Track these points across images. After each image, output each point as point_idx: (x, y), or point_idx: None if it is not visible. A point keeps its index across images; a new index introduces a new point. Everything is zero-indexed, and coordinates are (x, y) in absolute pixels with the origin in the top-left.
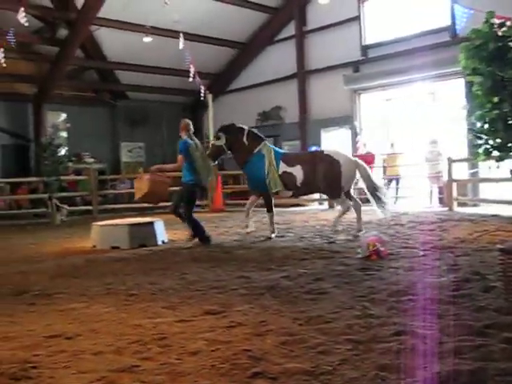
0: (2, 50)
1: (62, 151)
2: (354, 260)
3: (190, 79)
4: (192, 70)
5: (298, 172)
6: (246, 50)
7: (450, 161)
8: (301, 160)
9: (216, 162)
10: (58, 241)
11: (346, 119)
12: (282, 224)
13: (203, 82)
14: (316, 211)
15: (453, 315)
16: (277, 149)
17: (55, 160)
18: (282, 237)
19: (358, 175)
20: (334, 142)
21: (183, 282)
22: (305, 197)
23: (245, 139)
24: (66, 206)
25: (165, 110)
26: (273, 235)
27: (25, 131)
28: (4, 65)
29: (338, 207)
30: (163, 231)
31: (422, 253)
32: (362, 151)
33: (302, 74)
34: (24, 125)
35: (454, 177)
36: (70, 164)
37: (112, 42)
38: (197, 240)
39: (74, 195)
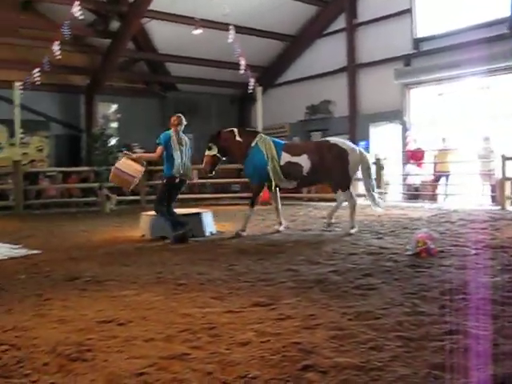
0: (58, 42)
1: (113, 141)
2: (404, 256)
3: (241, 71)
4: (242, 62)
5: (304, 161)
6: (296, 43)
7: (504, 158)
8: (307, 149)
9: (213, 173)
10: (108, 229)
11: (395, 114)
12: None
13: (252, 75)
14: (364, 206)
15: (508, 316)
16: (276, 140)
17: (106, 150)
18: (330, 231)
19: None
20: (382, 136)
21: (231, 273)
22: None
23: (238, 138)
24: (115, 196)
25: (213, 101)
26: (243, 233)
27: (77, 122)
28: (59, 57)
29: (341, 199)
30: (211, 223)
31: (473, 251)
32: (411, 147)
33: (352, 68)
34: (76, 115)
35: (508, 175)
36: (120, 154)
37: (162, 35)
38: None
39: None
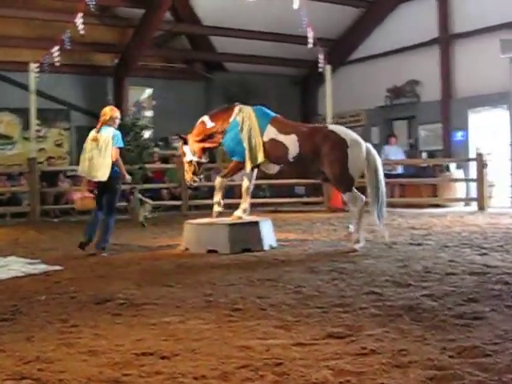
0: (81, 15)
1: (147, 134)
2: None
3: (309, 45)
4: (310, 34)
5: (291, 143)
6: (374, 10)
7: None
8: (298, 130)
9: (198, 180)
10: (143, 241)
11: (502, 97)
12: (419, 229)
13: (320, 50)
14: (461, 214)
15: None
16: (264, 109)
17: (139, 145)
18: (419, 245)
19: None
20: (485, 126)
21: (299, 297)
22: (445, 196)
23: (209, 124)
24: (149, 201)
25: (271, 84)
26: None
27: None
28: (82, 32)
29: (350, 208)
30: (271, 233)
31: None
32: None
33: (446, 40)
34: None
35: None
36: (156, 149)
37: (207, 2)
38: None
39: (160, 187)
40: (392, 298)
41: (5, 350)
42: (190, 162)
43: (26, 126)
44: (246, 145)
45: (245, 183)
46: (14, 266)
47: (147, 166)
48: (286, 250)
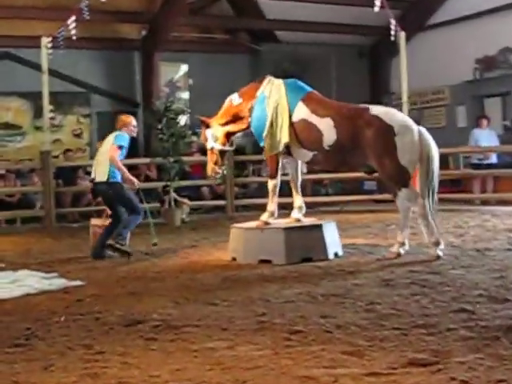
0: None
1: (183, 120)
2: None
3: (376, 9)
4: None
5: (326, 127)
6: None
7: None
8: (335, 112)
9: (221, 171)
10: (182, 250)
11: None
12: None
13: (392, 14)
14: None
15: None
16: (298, 83)
17: (174, 133)
18: None
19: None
20: None
21: (372, 316)
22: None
23: (236, 101)
24: (187, 201)
25: (333, 55)
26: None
27: (130, 92)
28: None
29: (415, 208)
30: (337, 238)
31: None
32: None
33: None
34: (129, 83)
35: None
36: (195, 139)
37: None
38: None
39: (199, 184)
40: (487, 316)
41: (19, 382)
42: (212, 149)
43: (37, 114)
44: (267, 123)
45: (271, 181)
46: (27, 282)
47: (184, 158)
48: (355, 259)
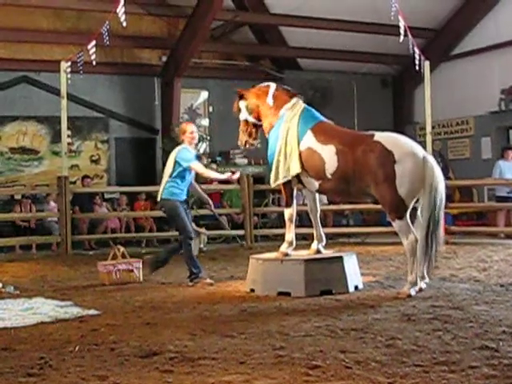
0: (123, 3)
1: (203, 147)
2: None
3: (400, 39)
4: (402, 23)
5: (328, 155)
6: None
7: None
8: (338, 138)
9: (255, 144)
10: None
11: None
12: None
13: (416, 43)
14: None
15: None
16: (312, 111)
17: None
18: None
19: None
20: None
21: (392, 352)
22: None
23: (270, 99)
24: (204, 230)
25: (354, 84)
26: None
27: (149, 118)
28: (124, 24)
29: (403, 241)
30: (357, 271)
31: None
32: None
33: None
34: (148, 109)
35: None
36: (214, 166)
37: None
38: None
39: (218, 213)
40: (510, 354)
41: None
42: (246, 121)
43: (55, 138)
44: (277, 151)
45: (287, 210)
46: (41, 310)
47: (202, 186)
48: (376, 293)
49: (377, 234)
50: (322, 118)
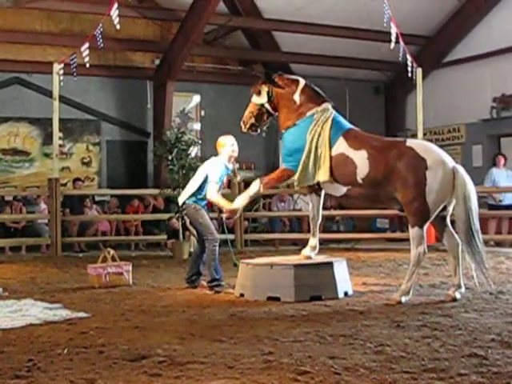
0: (116, 6)
1: (194, 151)
2: None
3: (392, 45)
4: (394, 30)
5: (360, 159)
6: (476, 0)
7: None
8: (370, 144)
9: (258, 131)
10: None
11: None
12: None
13: (409, 50)
14: None
15: None
16: (341, 120)
17: (184, 165)
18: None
19: (451, 194)
20: None
21: (381, 358)
22: None
23: (297, 95)
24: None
25: (346, 90)
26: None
27: (141, 121)
28: (118, 27)
29: (412, 249)
30: (347, 277)
31: None
32: None
33: None
34: (140, 112)
35: None
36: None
37: None
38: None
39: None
40: (499, 362)
41: None
42: (261, 106)
43: (46, 140)
44: (304, 152)
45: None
46: (30, 312)
47: None
48: (365, 299)
49: (367, 240)
50: (351, 126)
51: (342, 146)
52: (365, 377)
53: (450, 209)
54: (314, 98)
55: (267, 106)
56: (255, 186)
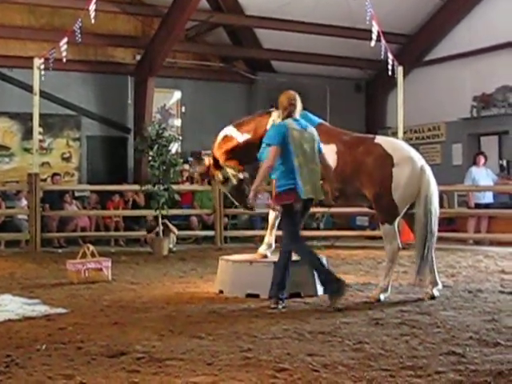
0: (95, 0)
1: (175, 147)
2: None
3: (372, 43)
4: (375, 29)
5: (329, 154)
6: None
7: None
8: (339, 139)
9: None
10: (168, 281)
11: None
12: None
13: (390, 48)
14: None
15: None
16: (309, 115)
17: (165, 161)
18: (511, 293)
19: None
20: None
21: (360, 356)
22: None
23: (239, 138)
24: (175, 230)
25: (328, 87)
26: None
27: (121, 117)
28: (93, 21)
29: (386, 246)
30: None
31: None
32: None
33: None
34: (120, 107)
35: None
36: (186, 167)
37: None
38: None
39: (188, 214)
40: (477, 360)
41: None
42: (240, 180)
43: (26, 135)
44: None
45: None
46: (9, 307)
47: (174, 187)
48: (344, 297)
49: (347, 237)
50: (320, 120)
51: None
52: (343, 374)
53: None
54: (256, 119)
55: (239, 175)
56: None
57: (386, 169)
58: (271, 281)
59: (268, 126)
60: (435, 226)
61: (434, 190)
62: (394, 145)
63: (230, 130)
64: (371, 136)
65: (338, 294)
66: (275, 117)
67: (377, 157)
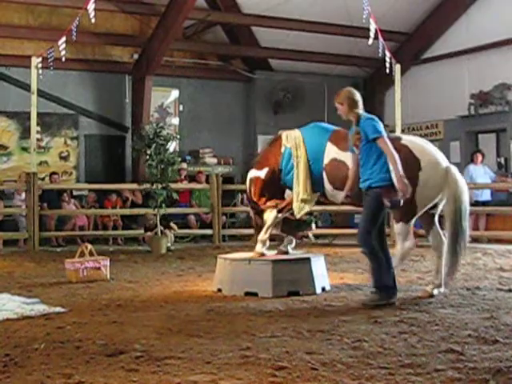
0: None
1: (172, 146)
2: None
3: (370, 41)
4: (373, 26)
5: (354, 155)
6: None
7: None
8: None
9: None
10: (166, 279)
11: None
12: (510, 271)
13: (387, 46)
14: None
15: None
16: (322, 125)
17: (163, 159)
18: (510, 291)
19: (441, 194)
20: None
21: (358, 354)
22: None
23: (257, 172)
24: (174, 228)
25: (326, 85)
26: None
27: (119, 115)
28: (93, 20)
29: (398, 244)
30: (325, 273)
31: None
32: None
33: None
34: (118, 106)
35: None
36: (184, 166)
37: None
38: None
39: (186, 212)
40: (475, 358)
41: None
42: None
43: (24, 134)
44: (295, 180)
45: (273, 212)
46: (7, 306)
47: (172, 185)
48: (343, 295)
49: (345, 235)
50: (334, 127)
51: (332, 152)
52: (342, 372)
53: (440, 207)
54: (269, 150)
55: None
56: (272, 216)
57: (412, 172)
58: (375, 285)
59: (282, 149)
60: (466, 224)
61: (462, 188)
62: (421, 147)
63: (252, 173)
64: (397, 135)
65: (383, 299)
66: (284, 138)
67: (403, 159)
